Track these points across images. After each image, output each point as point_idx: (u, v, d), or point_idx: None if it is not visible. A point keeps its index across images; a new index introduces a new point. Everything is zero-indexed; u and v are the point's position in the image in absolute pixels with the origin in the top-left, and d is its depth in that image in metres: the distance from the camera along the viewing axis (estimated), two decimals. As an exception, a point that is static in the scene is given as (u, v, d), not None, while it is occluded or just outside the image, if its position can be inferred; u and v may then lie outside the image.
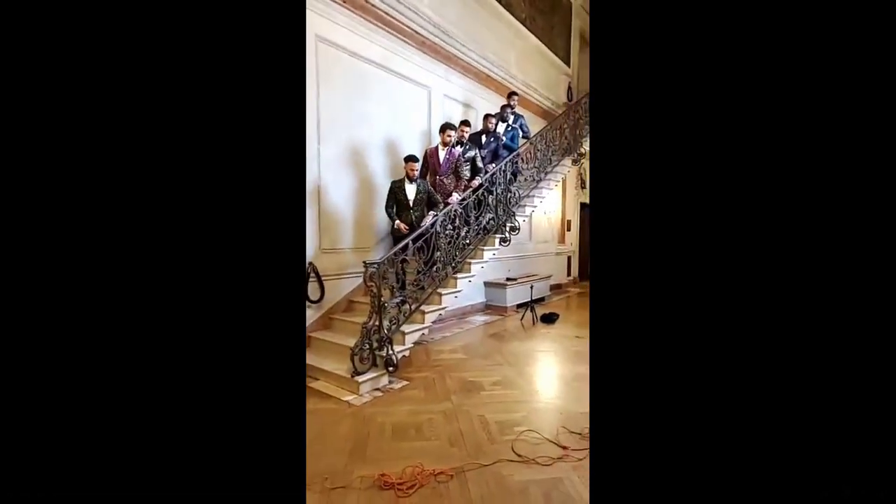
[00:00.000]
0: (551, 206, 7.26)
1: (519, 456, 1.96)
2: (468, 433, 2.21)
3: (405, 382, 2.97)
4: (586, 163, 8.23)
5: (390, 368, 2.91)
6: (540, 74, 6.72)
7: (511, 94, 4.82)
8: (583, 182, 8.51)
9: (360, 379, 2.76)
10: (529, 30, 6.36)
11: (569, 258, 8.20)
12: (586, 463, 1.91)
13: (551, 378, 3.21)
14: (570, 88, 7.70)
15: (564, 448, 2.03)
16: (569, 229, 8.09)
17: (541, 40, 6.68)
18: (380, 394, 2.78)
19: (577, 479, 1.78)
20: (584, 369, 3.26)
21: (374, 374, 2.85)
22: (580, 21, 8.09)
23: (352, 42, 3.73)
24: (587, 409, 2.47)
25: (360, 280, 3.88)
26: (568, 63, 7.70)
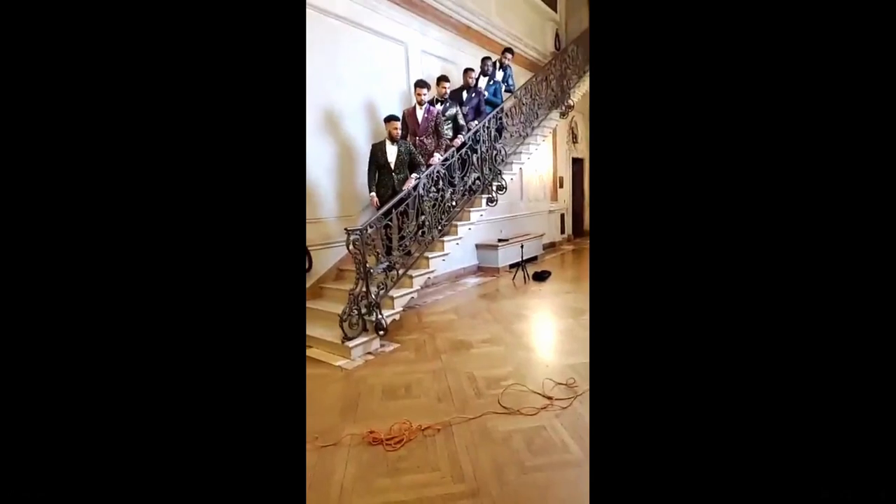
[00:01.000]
0: (542, 163, 7.12)
1: (504, 408, 2.02)
2: (456, 390, 2.27)
3: (396, 345, 3.02)
4: (577, 115, 8.00)
5: (380, 332, 2.95)
6: (524, 23, 6.37)
7: (506, 51, 4.61)
8: (574, 136, 8.30)
9: (351, 344, 2.80)
10: (512, -27, 5.97)
11: (562, 216, 8.15)
12: (570, 411, 1.97)
13: (538, 333, 3.26)
14: (557, 36, 7.33)
15: (549, 398, 2.09)
16: (561, 186, 7.99)
17: (524, -16, 6.29)
18: (371, 357, 2.83)
19: (559, 426, 1.84)
20: (571, 322, 3.32)
21: (365, 339, 2.89)
22: (567, -39, 7.58)
23: (317, -4, 3.50)
24: (572, 361, 2.54)
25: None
26: (555, 8, 7.29)
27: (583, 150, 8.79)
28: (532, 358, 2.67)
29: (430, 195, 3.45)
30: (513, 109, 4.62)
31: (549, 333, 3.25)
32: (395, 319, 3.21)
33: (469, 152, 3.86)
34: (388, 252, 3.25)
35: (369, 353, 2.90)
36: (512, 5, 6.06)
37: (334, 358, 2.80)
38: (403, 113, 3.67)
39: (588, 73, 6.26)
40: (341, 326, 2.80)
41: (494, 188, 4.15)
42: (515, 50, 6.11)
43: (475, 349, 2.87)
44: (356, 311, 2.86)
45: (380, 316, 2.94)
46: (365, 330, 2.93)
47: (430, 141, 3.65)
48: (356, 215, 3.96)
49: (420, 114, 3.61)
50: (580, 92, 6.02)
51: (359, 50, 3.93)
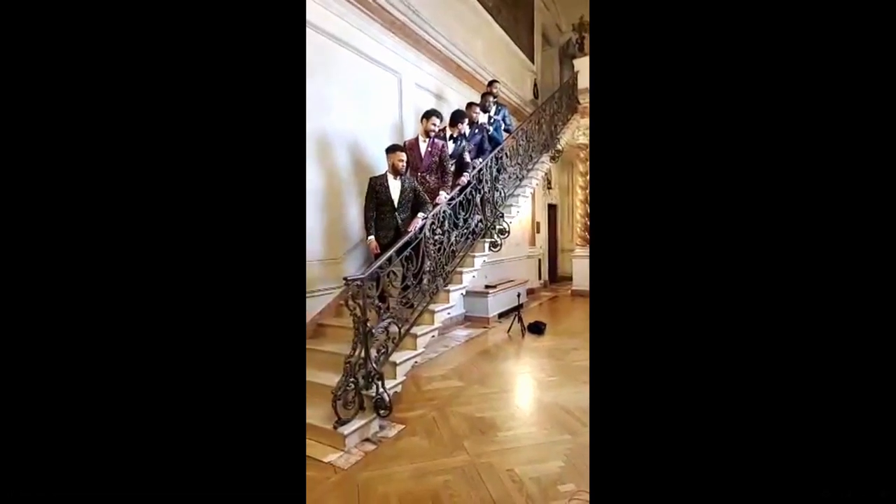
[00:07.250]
0: (523, 207, 6.95)
1: (581, 532, 1.48)
2: (502, 501, 1.69)
3: (400, 426, 2.38)
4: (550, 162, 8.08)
5: (382, 412, 2.30)
6: (507, 69, 6.38)
7: (492, 82, 4.40)
8: (549, 182, 8.34)
9: (346, 430, 2.13)
10: (496, 21, 6.01)
11: (539, 261, 7.96)
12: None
13: (571, 408, 2.64)
14: (535, 85, 7.48)
15: (637, 515, 1.57)
16: (538, 231, 7.86)
17: (506, 33, 6.36)
18: (371, 446, 2.17)
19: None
20: (601, 389, 2.86)
21: (362, 421, 2.23)
22: (542, 17, 7.92)
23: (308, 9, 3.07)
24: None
25: (331, 298, 3.23)
26: (532, 60, 7.47)
27: (556, 196, 8.84)
28: (580, 445, 2.14)
29: (436, 238, 2.97)
30: (511, 149, 4.37)
31: (583, 408, 2.64)
32: (396, 391, 2.58)
33: (473, 192, 3.47)
34: (388, 306, 2.66)
35: (368, 439, 2.23)
36: (497, 51, 6.06)
37: (322, 450, 2.10)
38: (404, 144, 3.24)
39: (569, 121, 6.34)
40: (334, 406, 2.14)
41: (497, 231, 3.76)
42: (501, 92, 6.05)
43: (502, 432, 2.30)
44: (353, 385, 2.22)
45: (382, 389, 2.31)
46: (361, 408, 2.27)
47: (433, 178, 3.21)
48: (341, 259, 3.36)
49: (424, 147, 3.19)
50: (564, 139, 6.02)
51: (351, 74, 3.51)
